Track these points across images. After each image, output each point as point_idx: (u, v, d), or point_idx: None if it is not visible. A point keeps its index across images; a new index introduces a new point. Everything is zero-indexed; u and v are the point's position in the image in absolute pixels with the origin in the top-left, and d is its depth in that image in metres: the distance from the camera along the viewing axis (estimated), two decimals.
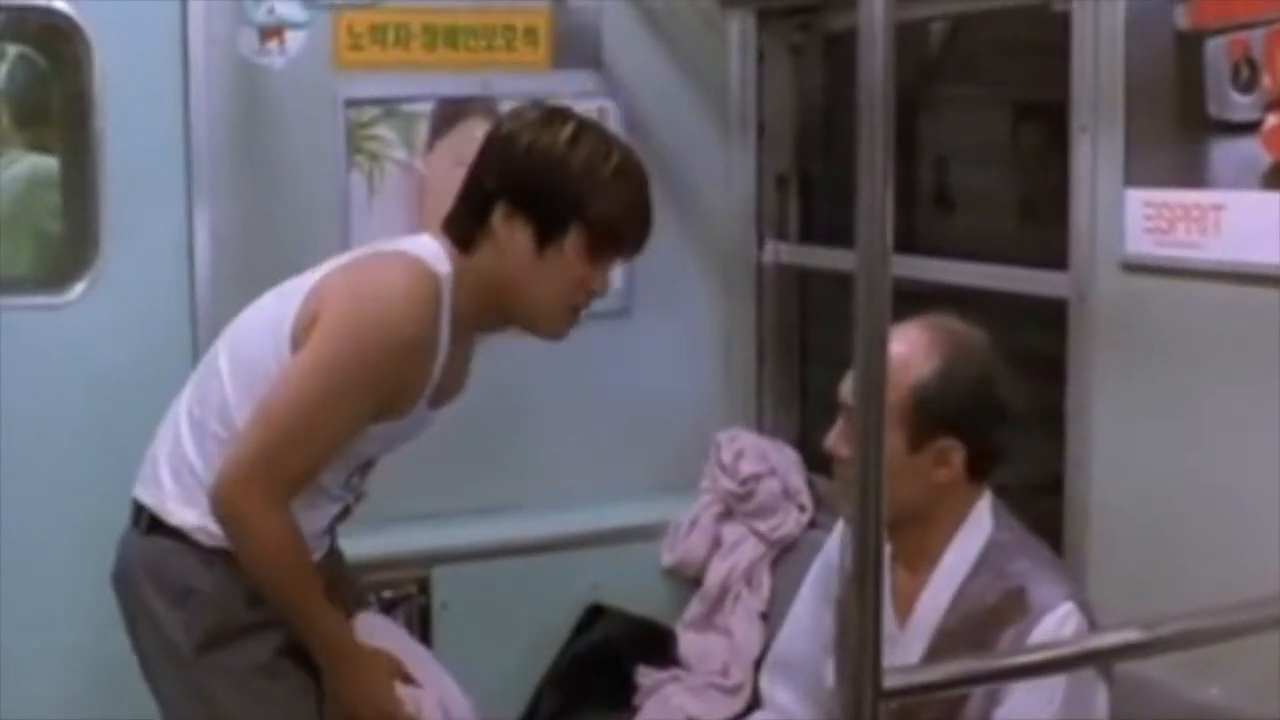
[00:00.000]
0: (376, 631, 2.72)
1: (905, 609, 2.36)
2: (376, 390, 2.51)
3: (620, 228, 2.58)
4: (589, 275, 2.58)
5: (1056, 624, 2.24)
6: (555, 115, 2.63)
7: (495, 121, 2.70)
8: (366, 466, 2.71)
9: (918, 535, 2.35)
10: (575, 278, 2.57)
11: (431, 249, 2.58)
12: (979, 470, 2.38)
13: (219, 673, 2.59)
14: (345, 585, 2.81)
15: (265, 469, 2.50)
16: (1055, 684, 2.18)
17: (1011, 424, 2.40)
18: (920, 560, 2.35)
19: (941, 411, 2.31)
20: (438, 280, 2.54)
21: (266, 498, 2.49)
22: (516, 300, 2.59)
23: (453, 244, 2.59)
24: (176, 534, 2.60)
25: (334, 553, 2.81)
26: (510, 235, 2.54)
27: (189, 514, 2.58)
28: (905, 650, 2.30)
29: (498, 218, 2.55)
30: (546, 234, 2.54)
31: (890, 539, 2.34)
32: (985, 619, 2.28)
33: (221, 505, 2.51)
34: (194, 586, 2.59)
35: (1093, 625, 2.27)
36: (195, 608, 2.59)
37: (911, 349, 2.32)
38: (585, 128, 2.61)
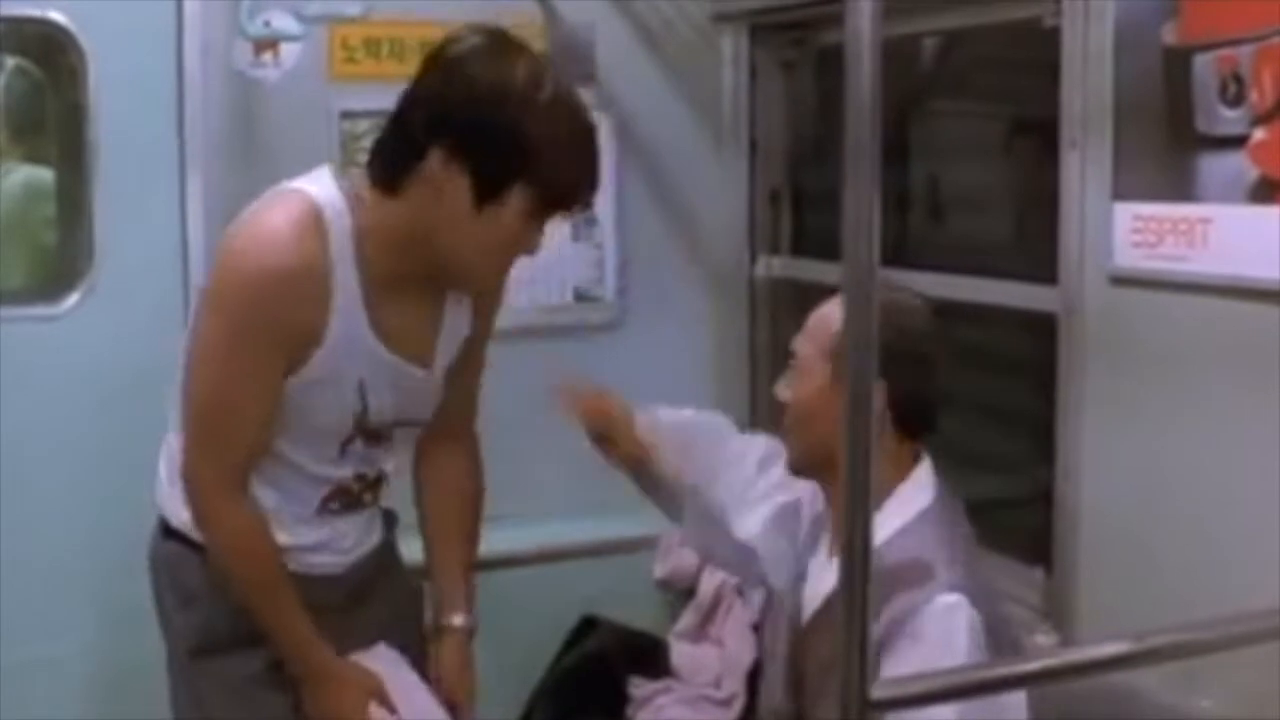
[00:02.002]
0: (375, 659, 2.67)
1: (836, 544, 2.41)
2: (271, 337, 2.40)
3: (570, 193, 2.42)
4: (528, 236, 2.43)
5: (946, 610, 2.29)
6: (509, 58, 2.40)
7: (438, 47, 2.46)
8: (373, 438, 2.60)
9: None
10: (513, 238, 2.42)
11: (320, 180, 2.45)
12: (904, 420, 2.44)
13: (210, 679, 2.59)
14: (389, 594, 2.74)
15: (206, 453, 2.46)
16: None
17: (939, 383, 2.49)
18: None
19: None
20: (316, 209, 2.40)
21: (217, 483, 2.47)
22: (445, 251, 2.43)
23: (373, 183, 2.43)
24: (181, 536, 2.60)
25: (383, 558, 2.75)
26: (448, 182, 2.35)
27: (184, 512, 2.58)
28: (830, 580, 2.35)
29: (435, 161, 2.35)
30: (488, 190, 2.36)
31: (827, 484, 2.50)
32: (891, 573, 2.31)
33: (189, 501, 2.51)
34: (194, 591, 2.59)
35: (986, 625, 2.32)
36: (194, 611, 2.59)
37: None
38: (543, 76, 2.38)
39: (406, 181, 2.40)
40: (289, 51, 3.39)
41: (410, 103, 2.42)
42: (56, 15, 3.25)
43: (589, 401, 2.83)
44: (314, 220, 2.39)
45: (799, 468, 2.56)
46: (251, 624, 2.55)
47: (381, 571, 2.75)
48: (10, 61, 4.41)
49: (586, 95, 3.61)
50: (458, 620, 2.73)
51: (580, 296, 3.74)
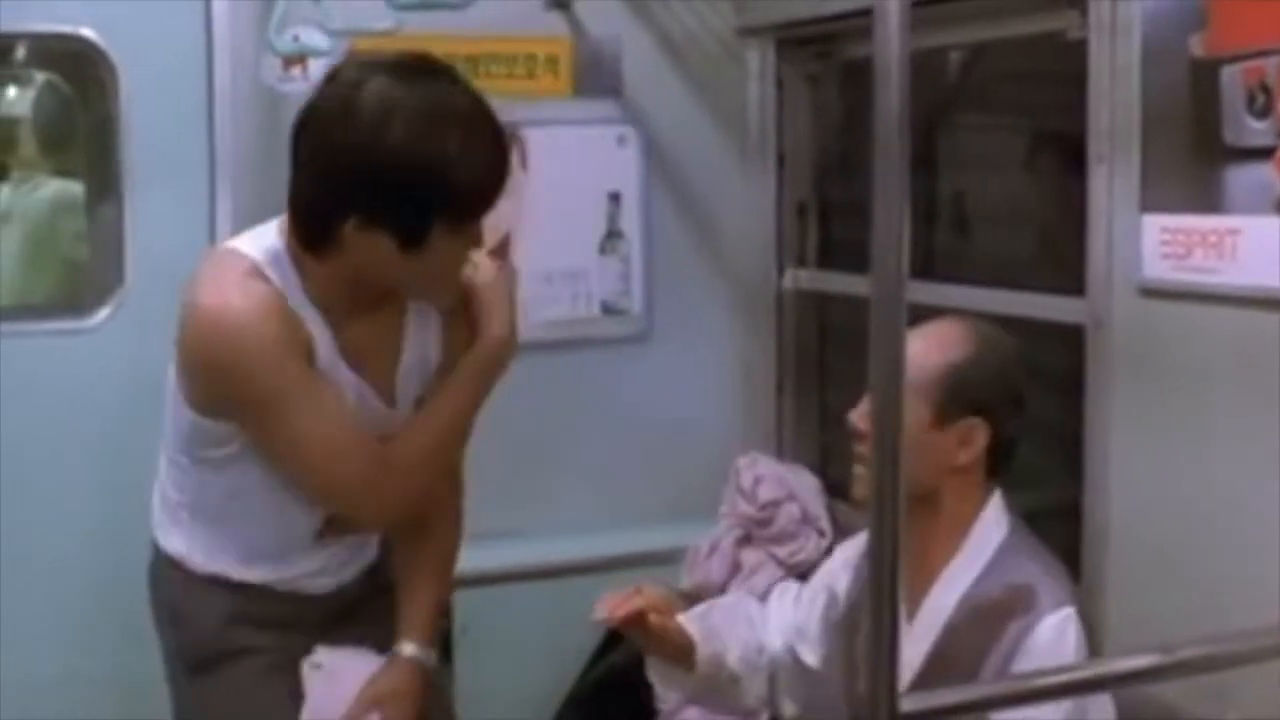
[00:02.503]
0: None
1: (914, 603, 2.40)
2: (296, 374, 2.36)
3: (479, 201, 2.34)
4: (464, 247, 2.39)
5: (1057, 624, 2.32)
6: (373, 98, 2.26)
7: (310, 107, 2.34)
8: None
9: (927, 525, 2.40)
10: (452, 258, 2.38)
11: (264, 239, 2.40)
12: (996, 461, 2.46)
13: (203, 696, 2.59)
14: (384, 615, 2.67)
15: (360, 482, 2.45)
16: None
17: (1027, 422, 2.48)
18: (929, 553, 2.40)
19: (973, 392, 2.41)
20: (251, 265, 2.35)
21: (385, 486, 2.46)
22: (394, 284, 2.41)
23: (301, 246, 2.36)
24: (170, 558, 2.61)
25: (379, 578, 2.69)
26: (369, 242, 2.30)
27: (172, 540, 2.59)
28: (912, 645, 2.34)
29: (350, 230, 2.29)
30: (411, 240, 2.30)
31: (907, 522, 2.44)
32: (990, 612, 2.36)
33: (386, 519, 2.56)
34: (181, 610, 2.60)
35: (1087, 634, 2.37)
36: (183, 631, 2.60)
37: (948, 333, 2.46)
38: (411, 103, 2.26)
39: (326, 250, 2.35)
40: (317, 66, 3.40)
41: (307, 176, 2.35)
42: (87, 31, 3.28)
43: (633, 601, 2.65)
44: (254, 273, 2.36)
45: None
46: (239, 635, 2.56)
47: (376, 591, 2.70)
48: (40, 77, 4.45)
49: (613, 109, 3.70)
50: (407, 649, 2.61)
51: (607, 309, 3.75)
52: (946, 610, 2.40)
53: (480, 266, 2.53)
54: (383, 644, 2.63)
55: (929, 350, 2.40)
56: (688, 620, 2.73)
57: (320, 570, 2.61)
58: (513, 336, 2.55)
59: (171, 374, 2.49)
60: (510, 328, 2.55)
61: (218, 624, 2.56)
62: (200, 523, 2.56)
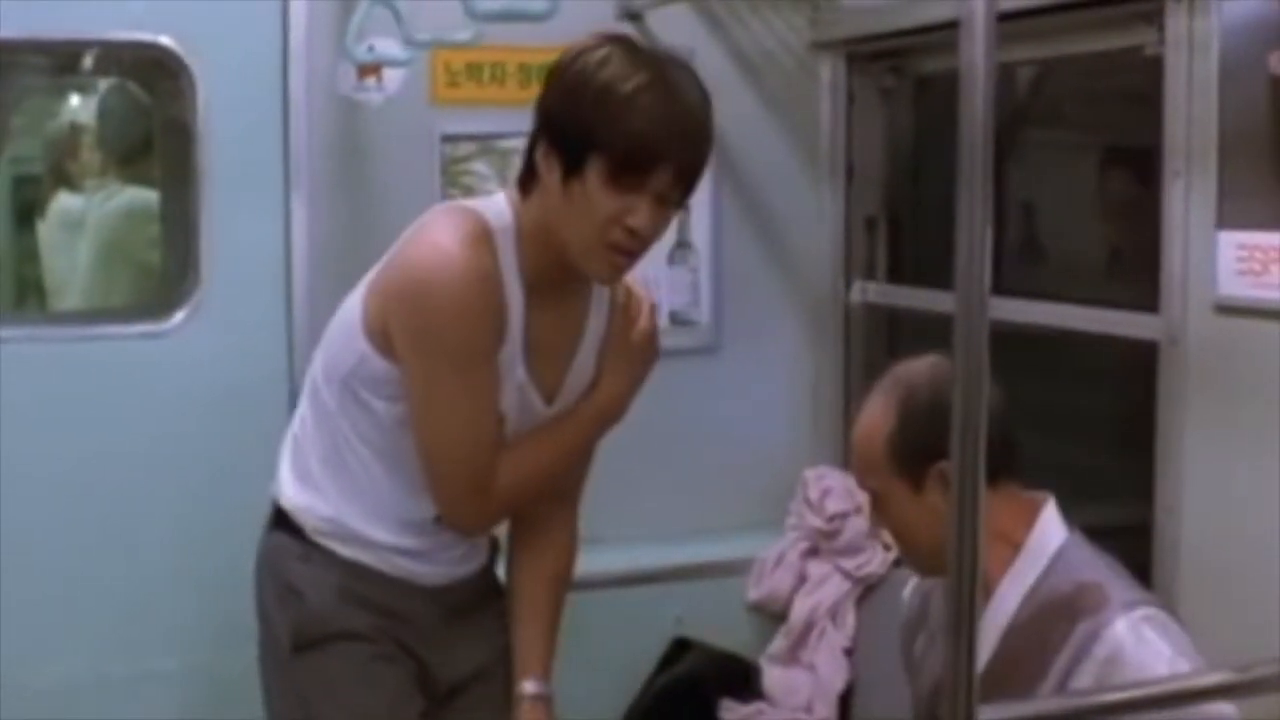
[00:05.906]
0: None
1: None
2: (485, 352, 2.43)
3: (639, 152, 2.32)
4: (620, 209, 2.35)
5: (1133, 625, 2.26)
6: (616, 58, 2.37)
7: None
8: None
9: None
10: (605, 213, 2.35)
11: (495, 204, 2.50)
12: (1007, 469, 2.41)
13: (312, 674, 2.58)
14: (488, 630, 2.73)
15: (468, 486, 2.51)
16: None
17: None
18: (988, 566, 2.37)
19: (918, 443, 2.39)
20: (489, 232, 2.43)
21: (481, 500, 2.54)
22: (559, 240, 2.42)
23: (519, 184, 2.49)
24: (288, 526, 2.60)
25: (484, 586, 2.74)
26: (548, 172, 2.39)
27: (295, 493, 2.60)
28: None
29: (539, 154, 2.41)
30: (568, 168, 2.36)
31: None
32: (1057, 609, 2.32)
33: (465, 528, 2.61)
34: (293, 584, 2.59)
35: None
36: (294, 606, 2.59)
37: (870, 414, 2.48)
38: (617, 52, 2.38)
39: (530, 184, 2.46)
40: (392, 76, 3.44)
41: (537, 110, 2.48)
42: (166, 40, 3.31)
43: None
44: (482, 232, 2.43)
45: (931, 574, 2.53)
46: (351, 616, 2.56)
47: (482, 599, 2.74)
48: (114, 84, 4.51)
49: None
50: (529, 687, 2.68)
51: (676, 320, 3.76)
52: (1010, 610, 2.37)
53: (644, 311, 2.64)
54: (494, 645, 2.71)
55: (868, 424, 2.46)
56: None
57: (430, 552, 2.61)
58: (627, 399, 2.66)
59: (351, 307, 2.54)
60: (629, 389, 2.65)
61: (332, 600, 2.56)
62: (329, 469, 2.57)
